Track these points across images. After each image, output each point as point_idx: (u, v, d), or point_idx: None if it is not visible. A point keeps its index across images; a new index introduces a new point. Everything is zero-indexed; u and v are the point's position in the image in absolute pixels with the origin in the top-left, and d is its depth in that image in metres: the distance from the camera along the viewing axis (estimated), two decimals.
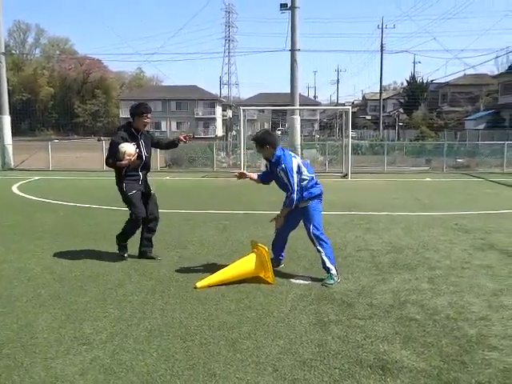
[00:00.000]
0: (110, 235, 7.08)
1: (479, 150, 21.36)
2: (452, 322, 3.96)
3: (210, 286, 4.78)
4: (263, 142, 5.06)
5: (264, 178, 5.36)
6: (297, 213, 5.10)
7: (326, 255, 5.00)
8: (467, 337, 3.66)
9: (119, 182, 5.68)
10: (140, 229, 5.86)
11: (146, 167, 5.81)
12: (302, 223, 5.18)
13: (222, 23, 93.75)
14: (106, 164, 5.65)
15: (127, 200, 5.68)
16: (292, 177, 4.89)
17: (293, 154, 5.14)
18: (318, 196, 5.13)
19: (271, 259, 5.46)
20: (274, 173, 5.11)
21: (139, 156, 5.62)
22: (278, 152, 5.03)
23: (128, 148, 5.48)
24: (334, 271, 4.99)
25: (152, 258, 5.86)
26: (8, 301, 4.42)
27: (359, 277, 5.15)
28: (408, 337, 3.66)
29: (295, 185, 4.90)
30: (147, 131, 5.90)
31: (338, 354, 3.39)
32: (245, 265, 4.97)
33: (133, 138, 5.62)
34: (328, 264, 4.99)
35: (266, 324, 3.92)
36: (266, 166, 5.36)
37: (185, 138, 5.88)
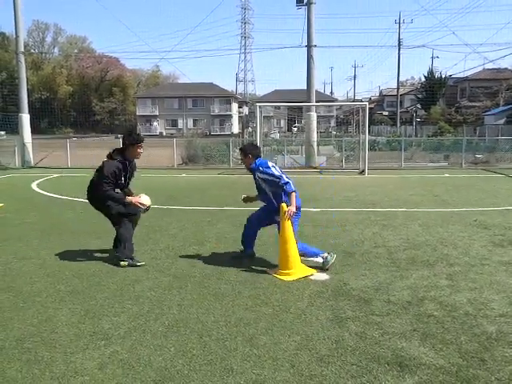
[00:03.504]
0: None
1: (499, 146, 21.01)
2: (471, 318, 3.91)
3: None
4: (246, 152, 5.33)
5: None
6: (272, 212, 5.29)
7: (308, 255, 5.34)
8: (487, 334, 3.62)
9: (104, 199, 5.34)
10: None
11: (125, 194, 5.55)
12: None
13: (237, 20, 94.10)
14: (102, 191, 5.20)
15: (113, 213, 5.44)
16: (273, 173, 5.09)
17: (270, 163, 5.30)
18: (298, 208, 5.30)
19: (247, 253, 5.72)
20: (255, 181, 5.32)
21: (121, 187, 5.45)
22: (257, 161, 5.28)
23: (145, 200, 5.46)
24: (317, 259, 5.29)
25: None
26: (28, 296, 4.49)
27: (376, 273, 5.12)
28: (426, 333, 3.63)
29: (282, 175, 5.08)
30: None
31: (355, 350, 3.38)
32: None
33: (124, 169, 5.30)
34: (313, 259, 5.32)
35: (283, 320, 3.92)
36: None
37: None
